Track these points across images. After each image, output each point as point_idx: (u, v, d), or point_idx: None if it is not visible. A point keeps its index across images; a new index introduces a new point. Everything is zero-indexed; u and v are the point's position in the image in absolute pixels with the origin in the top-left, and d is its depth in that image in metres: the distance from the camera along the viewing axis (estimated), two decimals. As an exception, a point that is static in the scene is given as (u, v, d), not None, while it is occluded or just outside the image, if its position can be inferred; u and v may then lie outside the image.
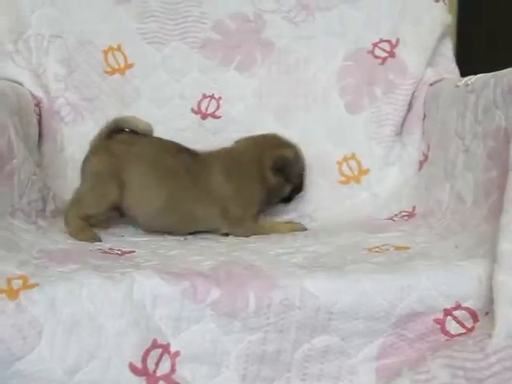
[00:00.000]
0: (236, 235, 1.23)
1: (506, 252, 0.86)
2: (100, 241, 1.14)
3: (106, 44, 1.41)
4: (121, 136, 1.23)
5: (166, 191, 1.20)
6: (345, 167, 1.39)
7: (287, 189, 1.30)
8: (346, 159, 1.40)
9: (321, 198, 1.37)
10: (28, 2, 1.39)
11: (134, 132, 1.24)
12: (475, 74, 1.17)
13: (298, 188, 1.31)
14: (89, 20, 1.41)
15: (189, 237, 1.22)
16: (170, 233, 1.23)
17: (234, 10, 1.44)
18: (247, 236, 1.21)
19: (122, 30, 1.42)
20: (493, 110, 1.04)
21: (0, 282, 0.84)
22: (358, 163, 1.39)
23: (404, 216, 1.27)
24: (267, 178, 1.25)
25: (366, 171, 1.39)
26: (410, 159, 1.36)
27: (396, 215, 1.29)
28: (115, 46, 1.42)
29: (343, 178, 1.39)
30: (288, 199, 1.33)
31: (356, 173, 1.39)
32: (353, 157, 1.40)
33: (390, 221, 1.27)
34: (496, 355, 0.83)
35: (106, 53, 1.42)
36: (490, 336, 0.83)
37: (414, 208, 1.28)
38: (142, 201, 1.20)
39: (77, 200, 1.21)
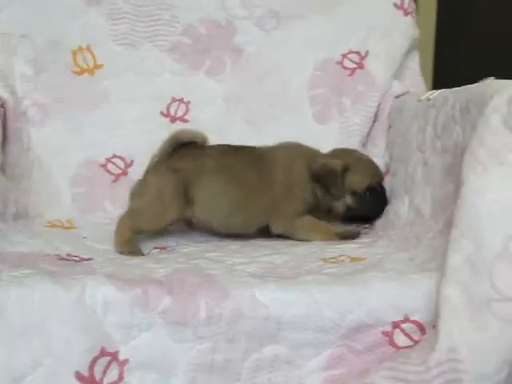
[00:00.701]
0: (277, 229, 1.24)
1: (453, 266, 0.87)
2: (142, 254, 1.15)
3: (75, 44, 1.42)
4: (180, 151, 1.22)
5: (234, 193, 1.22)
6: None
7: (338, 204, 1.26)
8: None
9: None
10: None
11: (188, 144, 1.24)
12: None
13: (356, 209, 1.25)
14: (58, 20, 1.41)
15: (153, 251, 1.21)
16: (240, 235, 1.24)
17: (205, 15, 1.45)
18: (285, 231, 1.23)
19: (92, 30, 1.42)
20: (451, 126, 1.06)
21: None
22: None
23: (366, 228, 1.29)
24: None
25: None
26: None
27: (358, 226, 1.30)
28: (84, 47, 1.42)
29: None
30: (353, 218, 1.28)
31: None
32: None
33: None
34: (438, 368, 0.84)
35: (74, 53, 1.42)
36: (433, 349, 0.85)
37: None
38: (214, 209, 1.21)
39: (133, 213, 1.20)
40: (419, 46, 1.51)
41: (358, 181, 1.25)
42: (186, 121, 1.42)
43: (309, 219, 1.25)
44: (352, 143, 1.41)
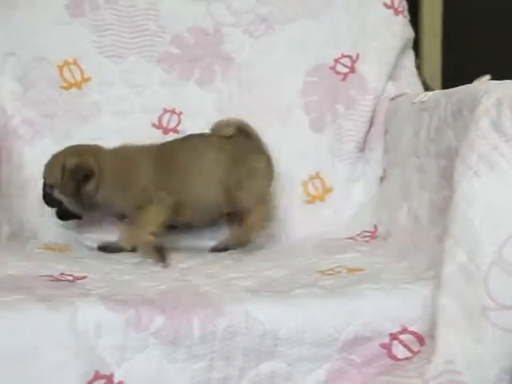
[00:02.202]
0: None
1: (448, 275, 0.86)
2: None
3: (62, 59, 1.40)
4: None
5: None
6: (310, 187, 1.39)
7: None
8: (311, 178, 1.39)
9: (287, 219, 1.36)
10: None
11: None
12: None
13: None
14: (42, 35, 1.39)
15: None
16: None
17: (193, 24, 1.42)
18: None
19: (78, 43, 1.40)
20: (444, 129, 1.04)
21: None
22: (322, 181, 1.39)
23: (366, 236, 1.27)
24: None
25: (330, 189, 1.38)
26: (374, 176, 1.36)
27: (358, 235, 1.28)
28: (71, 61, 1.40)
29: (309, 198, 1.38)
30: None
31: (321, 191, 1.38)
32: (317, 175, 1.39)
33: (352, 240, 1.27)
34: (435, 380, 0.82)
35: (61, 68, 1.40)
36: (429, 361, 0.83)
37: (375, 228, 1.28)
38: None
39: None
40: (426, 47, 1.48)
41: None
42: (178, 132, 1.41)
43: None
44: (347, 149, 1.39)
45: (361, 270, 1.04)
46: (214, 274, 1.07)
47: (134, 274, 1.09)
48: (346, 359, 0.89)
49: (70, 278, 1.05)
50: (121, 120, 1.40)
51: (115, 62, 1.41)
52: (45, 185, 1.28)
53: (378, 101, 1.38)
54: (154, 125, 1.41)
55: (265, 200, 1.27)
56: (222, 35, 1.42)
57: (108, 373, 0.85)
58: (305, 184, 1.39)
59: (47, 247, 1.28)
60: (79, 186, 1.23)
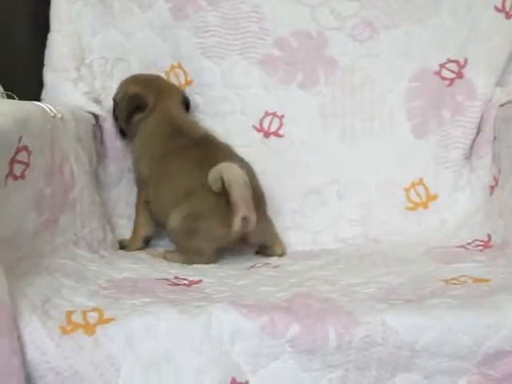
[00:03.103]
0: None
1: None
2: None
3: (169, 63, 1.41)
4: None
5: None
6: (412, 193, 1.36)
7: None
8: (413, 185, 1.36)
9: (387, 223, 1.33)
10: (89, 26, 1.39)
11: None
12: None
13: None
14: (150, 40, 1.40)
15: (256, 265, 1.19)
16: None
17: (296, 28, 1.41)
18: None
19: (182, 46, 1.40)
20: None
21: (76, 316, 0.83)
22: (426, 189, 1.35)
23: (478, 245, 1.23)
24: None
25: (435, 197, 1.35)
26: (481, 184, 1.32)
27: (469, 243, 1.24)
28: (176, 64, 1.41)
29: (411, 205, 1.35)
30: None
31: (424, 199, 1.35)
32: (420, 182, 1.36)
33: (463, 249, 1.23)
34: None
35: (168, 73, 1.41)
36: None
37: (489, 237, 1.24)
38: None
39: None
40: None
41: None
42: (280, 135, 1.39)
43: None
44: (452, 156, 1.36)
45: (487, 280, 1.00)
46: (331, 279, 1.04)
47: (249, 278, 1.07)
48: (485, 374, 0.85)
49: (186, 281, 1.05)
50: (220, 121, 1.39)
51: (216, 63, 1.40)
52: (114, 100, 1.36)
53: (487, 107, 1.34)
54: (254, 127, 1.40)
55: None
56: (326, 39, 1.40)
57: (243, 380, 0.83)
58: (407, 191, 1.36)
59: (148, 252, 1.29)
60: (131, 113, 1.31)
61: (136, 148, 1.33)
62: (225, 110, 1.40)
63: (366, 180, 1.37)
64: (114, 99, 1.36)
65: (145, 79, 1.36)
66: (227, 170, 1.15)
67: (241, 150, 1.33)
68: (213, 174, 1.16)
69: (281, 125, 1.40)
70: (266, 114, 1.40)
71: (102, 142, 1.36)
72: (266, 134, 1.40)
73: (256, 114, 1.40)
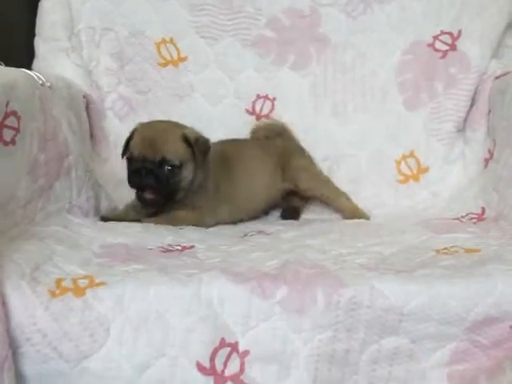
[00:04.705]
0: None
1: None
2: None
3: (159, 36, 1.39)
4: None
5: None
6: (403, 166, 1.36)
7: None
8: (404, 157, 1.36)
9: (378, 196, 1.34)
10: None
11: None
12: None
13: None
14: (140, 12, 1.39)
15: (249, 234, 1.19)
16: None
17: (289, 5, 1.41)
18: None
19: (174, 22, 1.40)
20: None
21: (66, 282, 0.83)
22: (417, 161, 1.36)
23: (472, 218, 1.23)
24: None
25: (426, 169, 1.35)
26: (474, 157, 1.32)
27: (463, 217, 1.24)
28: (167, 39, 1.40)
29: (402, 177, 1.36)
30: None
31: (415, 171, 1.36)
32: (411, 154, 1.36)
33: (457, 221, 1.23)
34: None
35: (158, 45, 1.40)
36: None
37: (483, 210, 1.24)
38: None
39: None
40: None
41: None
42: (271, 119, 1.40)
43: None
44: (444, 129, 1.36)
45: (478, 250, 1.00)
46: (323, 248, 1.04)
47: (242, 245, 1.07)
48: (473, 340, 0.86)
49: (179, 247, 1.05)
50: (214, 103, 1.39)
51: (210, 44, 1.40)
52: (159, 164, 1.13)
53: (481, 80, 1.33)
54: (247, 111, 1.40)
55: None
56: (319, 16, 1.40)
57: (233, 341, 0.83)
58: (398, 163, 1.36)
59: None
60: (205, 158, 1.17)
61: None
62: (218, 92, 1.40)
63: (357, 154, 1.38)
64: (166, 163, 1.14)
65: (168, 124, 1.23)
66: None
67: (233, 133, 1.34)
68: None
69: (273, 107, 1.40)
70: (258, 97, 1.40)
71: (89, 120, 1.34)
72: (258, 117, 1.40)
73: (248, 97, 1.40)
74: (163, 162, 1.13)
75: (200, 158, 1.15)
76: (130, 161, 1.16)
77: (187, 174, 1.16)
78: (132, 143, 1.16)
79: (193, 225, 1.17)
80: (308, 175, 1.33)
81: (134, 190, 1.17)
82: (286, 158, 1.33)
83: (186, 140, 1.15)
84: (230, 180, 1.25)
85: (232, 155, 1.27)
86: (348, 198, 1.34)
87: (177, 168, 1.14)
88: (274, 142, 1.34)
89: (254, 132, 1.36)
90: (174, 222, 1.17)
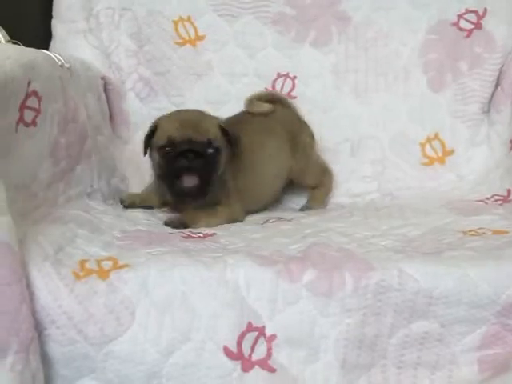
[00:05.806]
0: None
1: None
2: None
3: (176, 14, 1.37)
4: None
5: None
6: (428, 148, 1.33)
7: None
8: (429, 140, 1.33)
9: (402, 178, 1.32)
10: None
11: None
12: None
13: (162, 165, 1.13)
14: None
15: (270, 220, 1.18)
16: None
17: None
18: None
19: (192, 0, 1.37)
20: None
21: (90, 263, 0.82)
22: (442, 143, 1.33)
23: (498, 200, 1.21)
24: None
25: (451, 152, 1.33)
26: (500, 139, 1.29)
27: (488, 198, 1.22)
28: (185, 17, 1.38)
29: (426, 160, 1.34)
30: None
31: (440, 154, 1.33)
32: (436, 137, 1.33)
33: (482, 203, 1.21)
34: None
35: (176, 23, 1.37)
36: None
37: (508, 192, 1.22)
38: None
39: None
40: None
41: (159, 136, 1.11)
42: (292, 97, 1.37)
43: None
44: (469, 110, 1.33)
45: (506, 232, 0.98)
46: (346, 231, 1.03)
47: (264, 231, 1.06)
48: (504, 324, 0.84)
49: (201, 234, 1.03)
50: (233, 81, 1.37)
51: (229, 22, 1.37)
52: (207, 146, 1.09)
53: (507, 59, 1.30)
54: (267, 90, 1.37)
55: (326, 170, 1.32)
56: None
57: (260, 325, 0.82)
58: (422, 146, 1.34)
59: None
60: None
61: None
62: (238, 70, 1.38)
63: (380, 136, 1.35)
64: (216, 145, 1.11)
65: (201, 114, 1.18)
66: None
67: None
68: None
69: (293, 86, 1.37)
70: (279, 75, 1.38)
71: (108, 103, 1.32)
72: None
73: (269, 75, 1.37)
74: (209, 143, 1.09)
75: (234, 149, 1.13)
76: (165, 148, 1.09)
77: (223, 161, 1.12)
78: (165, 131, 1.10)
79: (228, 222, 1.13)
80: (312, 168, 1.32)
81: (166, 182, 1.12)
82: (293, 132, 1.29)
83: (221, 128, 1.13)
84: (244, 170, 1.20)
85: (242, 140, 1.18)
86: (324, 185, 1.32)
87: (219, 152, 1.11)
88: (276, 113, 1.28)
89: (249, 106, 1.30)
90: (210, 220, 1.11)
